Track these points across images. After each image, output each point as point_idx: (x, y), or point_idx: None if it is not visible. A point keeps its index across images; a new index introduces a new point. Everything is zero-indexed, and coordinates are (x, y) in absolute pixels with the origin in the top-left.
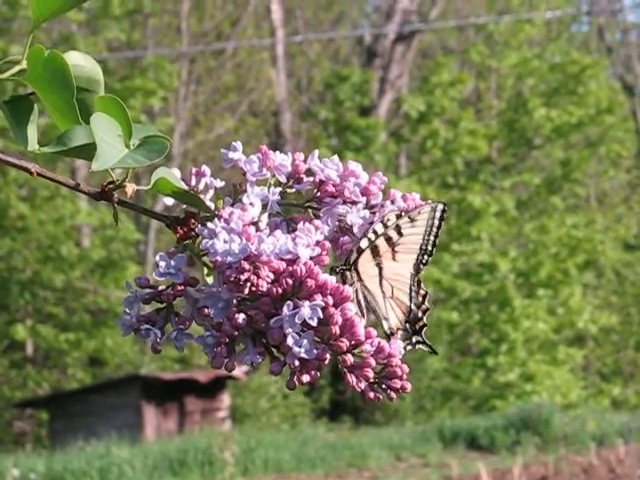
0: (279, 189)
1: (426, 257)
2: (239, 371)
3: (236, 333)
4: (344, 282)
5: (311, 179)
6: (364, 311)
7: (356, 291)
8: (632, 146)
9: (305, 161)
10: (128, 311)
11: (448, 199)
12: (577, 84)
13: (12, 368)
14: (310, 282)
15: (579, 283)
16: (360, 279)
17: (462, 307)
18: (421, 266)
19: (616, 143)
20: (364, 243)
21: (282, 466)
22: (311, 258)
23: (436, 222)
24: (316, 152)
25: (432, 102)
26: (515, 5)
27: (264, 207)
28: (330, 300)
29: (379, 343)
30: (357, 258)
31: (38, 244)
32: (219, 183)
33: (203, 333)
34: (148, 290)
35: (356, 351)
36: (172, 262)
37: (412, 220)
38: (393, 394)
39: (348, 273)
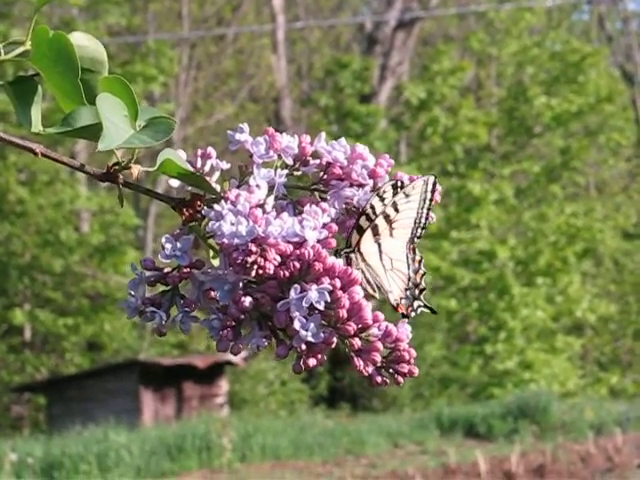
0: (285, 171)
1: (420, 230)
2: (237, 357)
3: (242, 316)
4: (349, 265)
5: (317, 162)
6: (374, 289)
7: (362, 272)
8: (632, 135)
9: (312, 144)
10: (133, 293)
11: (448, 186)
12: (577, 72)
13: (10, 352)
14: (318, 265)
15: (578, 271)
16: (364, 259)
17: (461, 295)
18: (415, 239)
19: (616, 132)
20: (363, 222)
21: (280, 452)
22: (318, 241)
23: (429, 195)
24: (323, 134)
25: (432, 89)
26: None
27: (270, 189)
28: (338, 283)
29: (386, 327)
30: (359, 239)
31: (37, 228)
32: (225, 165)
33: (208, 316)
34: (153, 272)
35: (363, 335)
36: (178, 244)
37: (407, 195)
38: (400, 378)
39: (352, 255)
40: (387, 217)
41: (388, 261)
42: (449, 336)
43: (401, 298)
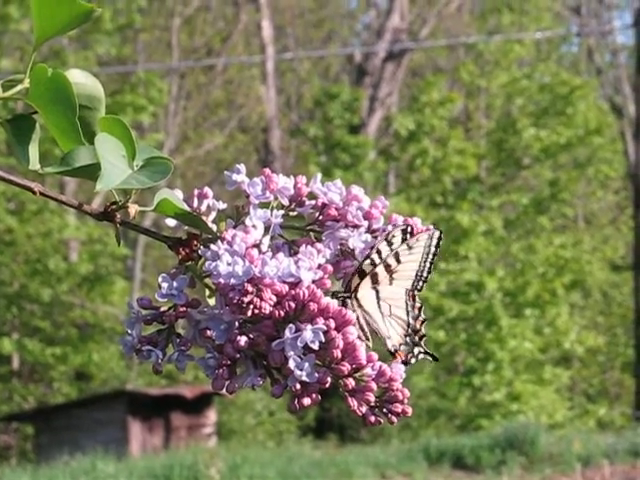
0: (282, 212)
1: (421, 283)
2: None
3: (238, 355)
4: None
5: (313, 202)
6: (367, 335)
7: (357, 317)
8: (620, 167)
9: (307, 185)
10: (130, 332)
11: (436, 218)
12: (566, 105)
13: None
14: (312, 305)
15: (566, 303)
16: (360, 305)
17: (449, 326)
18: (416, 291)
19: (604, 164)
20: (367, 266)
21: None
22: (313, 281)
23: (432, 249)
24: (318, 175)
25: (421, 121)
26: (505, 25)
27: (266, 230)
28: (332, 323)
29: (380, 367)
30: (358, 285)
31: (26, 257)
32: (221, 205)
33: (204, 354)
34: (150, 311)
35: (357, 375)
36: (174, 283)
37: (410, 248)
38: (394, 418)
39: (349, 301)
40: (388, 267)
41: (386, 307)
42: (437, 367)
43: (400, 344)
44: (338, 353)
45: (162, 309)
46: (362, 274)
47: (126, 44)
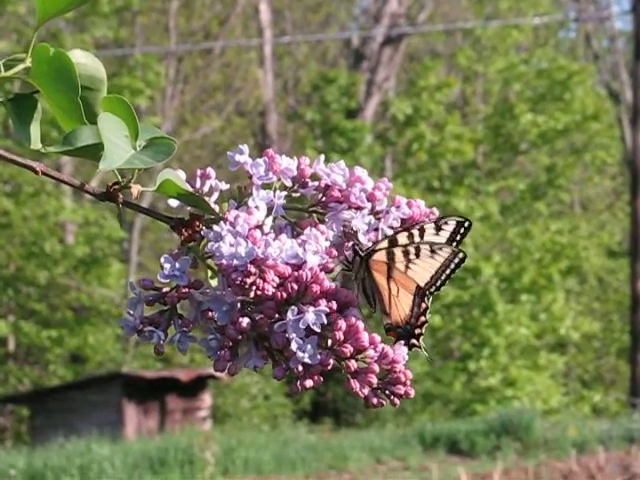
0: (284, 193)
1: (432, 289)
2: None
3: (240, 337)
4: (348, 266)
5: (316, 184)
6: (371, 301)
7: (363, 280)
8: (617, 153)
9: (310, 166)
10: (131, 312)
11: (433, 203)
12: (563, 90)
13: None
14: (315, 287)
15: (562, 289)
16: (368, 270)
17: (445, 311)
18: (427, 293)
19: (601, 150)
20: (402, 238)
21: (262, 467)
22: (318, 265)
23: (452, 266)
24: (322, 157)
25: (419, 105)
26: (503, 10)
27: (269, 211)
28: (334, 305)
29: (383, 349)
30: (373, 250)
31: (22, 240)
32: (224, 186)
33: (205, 335)
34: (152, 292)
35: (360, 357)
36: (177, 264)
37: (432, 251)
38: (397, 400)
39: (358, 259)
40: (406, 254)
41: (395, 288)
42: (432, 352)
43: (398, 326)
44: (340, 335)
45: (164, 290)
46: (392, 243)
47: (123, 27)
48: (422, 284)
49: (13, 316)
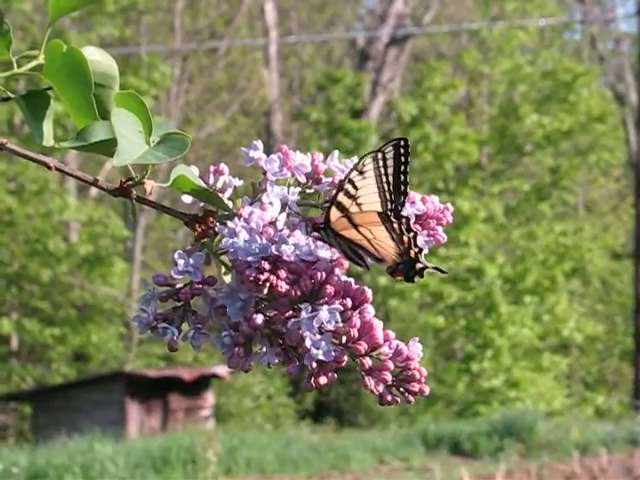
0: (298, 189)
1: (389, 204)
2: (223, 370)
3: (253, 334)
4: (323, 241)
5: (330, 180)
6: (361, 258)
7: (340, 245)
8: (622, 155)
9: (324, 162)
10: (145, 309)
11: None
12: (568, 92)
13: None
14: (330, 285)
15: (566, 291)
16: (337, 234)
17: (448, 312)
18: (390, 204)
19: (606, 152)
20: (342, 197)
21: (265, 466)
22: (331, 261)
23: (382, 170)
24: (335, 153)
25: (424, 106)
26: (509, 12)
27: (283, 207)
28: (349, 302)
29: (397, 346)
30: (327, 216)
31: (25, 238)
32: (237, 182)
33: (219, 332)
34: (165, 288)
35: (374, 354)
36: (190, 260)
37: (361, 172)
38: (411, 397)
39: (323, 232)
40: (348, 193)
41: (367, 232)
42: (436, 353)
43: (397, 264)
44: (355, 332)
45: (178, 286)
46: (340, 206)
47: (129, 26)
48: (380, 209)
49: (16, 314)
